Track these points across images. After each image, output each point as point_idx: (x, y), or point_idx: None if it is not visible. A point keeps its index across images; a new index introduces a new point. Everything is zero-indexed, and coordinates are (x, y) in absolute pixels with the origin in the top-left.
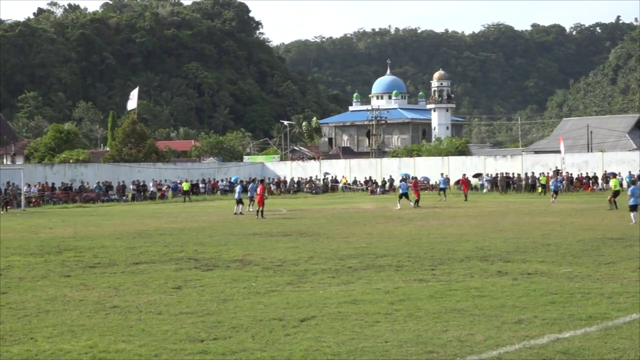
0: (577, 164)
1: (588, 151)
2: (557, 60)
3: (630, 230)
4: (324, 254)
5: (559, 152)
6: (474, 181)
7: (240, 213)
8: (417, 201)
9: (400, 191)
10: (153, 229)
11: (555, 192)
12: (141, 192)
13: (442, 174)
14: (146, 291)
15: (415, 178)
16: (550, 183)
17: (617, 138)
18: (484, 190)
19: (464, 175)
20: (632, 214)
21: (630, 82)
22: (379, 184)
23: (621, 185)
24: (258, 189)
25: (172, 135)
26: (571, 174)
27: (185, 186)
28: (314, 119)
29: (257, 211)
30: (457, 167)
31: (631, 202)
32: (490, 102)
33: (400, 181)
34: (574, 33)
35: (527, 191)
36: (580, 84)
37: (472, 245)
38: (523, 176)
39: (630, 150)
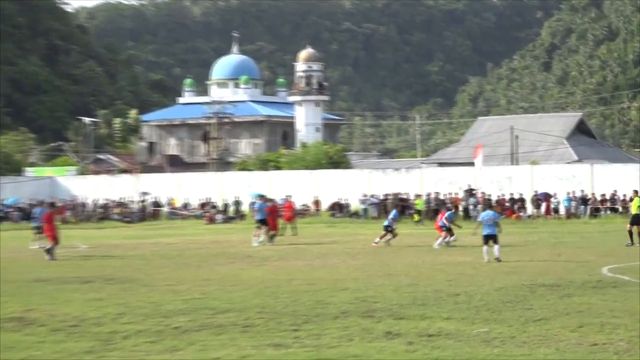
0: (497, 180)
1: (512, 163)
2: (470, 37)
3: (568, 274)
4: (140, 309)
5: (473, 164)
6: (355, 205)
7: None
8: (273, 235)
9: (258, 217)
10: None
11: (447, 230)
12: None
13: (261, 197)
14: None
15: (272, 201)
16: (446, 216)
17: (552, 145)
18: (369, 218)
19: (288, 197)
20: (484, 248)
21: (570, 68)
22: (220, 208)
23: None
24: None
25: None
26: (489, 195)
27: None
28: (134, 112)
29: (49, 249)
30: (330, 185)
31: (485, 231)
32: (378, 93)
33: (253, 202)
34: None
35: (428, 218)
36: (501, 69)
37: (350, 296)
38: (424, 198)
39: (569, 163)
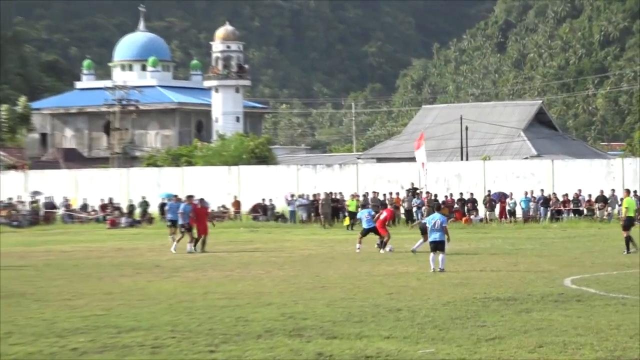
0: (444, 178)
1: (462, 158)
2: (413, 13)
3: (526, 286)
4: (31, 328)
5: (415, 160)
6: (281, 207)
7: None
8: (203, 240)
9: (182, 220)
10: None
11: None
12: None
13: (177, 197)
14: None
15: (202, 201)
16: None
17: (507, 138)
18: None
19: (191, 197)
20: (431, 256)
21: (527, 49)
22: (125, 210)
23: None
24: None
25: None
26: (435, 195)
27: None
28: (22, 99)
29: None
30: (252, 183)
31: (431, 237)
32: (308, 78)
33: (164, 203)
34: None
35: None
36: (449, 50)
37: (276, 312)
38: (361, 198)
39: (527, 158)
